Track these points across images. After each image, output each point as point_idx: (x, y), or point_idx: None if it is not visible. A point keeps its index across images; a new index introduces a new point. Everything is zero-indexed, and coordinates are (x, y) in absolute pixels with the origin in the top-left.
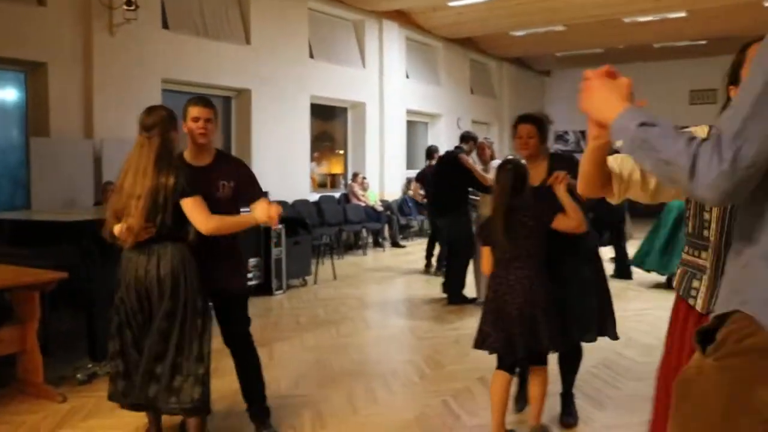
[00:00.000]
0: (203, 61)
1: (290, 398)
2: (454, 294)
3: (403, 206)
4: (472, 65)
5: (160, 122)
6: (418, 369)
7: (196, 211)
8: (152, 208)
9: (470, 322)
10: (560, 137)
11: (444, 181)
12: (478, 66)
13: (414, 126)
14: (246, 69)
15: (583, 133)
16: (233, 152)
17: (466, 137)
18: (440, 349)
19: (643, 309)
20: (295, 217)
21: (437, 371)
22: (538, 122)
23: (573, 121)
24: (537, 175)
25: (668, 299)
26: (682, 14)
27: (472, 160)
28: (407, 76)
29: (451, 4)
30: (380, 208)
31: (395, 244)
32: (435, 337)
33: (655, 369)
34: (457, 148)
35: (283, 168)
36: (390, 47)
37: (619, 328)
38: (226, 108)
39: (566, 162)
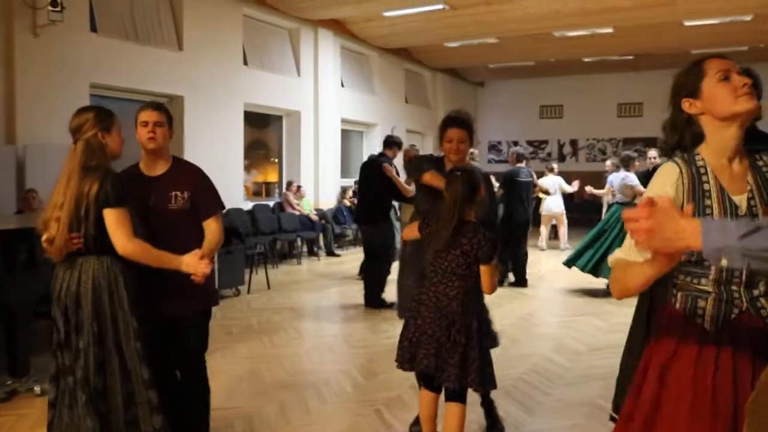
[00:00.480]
0: (133, 66)
1: (222, 411)
2: (370, 297)
3: (337, 215)
4: (406, 75)
5: (84, 124)
6: (351, 378)
7: (117, 227)
8: (75, 219)
9: None
10: (493, 147)
11: (366, 188)
12: (413, 76)
13: (349, 135)
14: (178, 75)
15: (515, 143)
16: None
17: (389, 143)
18: (374, 358)
19: (572, 316)
20: (227, 226)
21: (370, 380)
22: (470, 127)
23: (506, 131)
24: None
25: (596, 306)
26: (609, 30)
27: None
28: (342, 85)
29: (385, 14)
30: (315, 217)
31: (330, 252)
32: (369, 345)
33: (583, 374)
34: (381, 155)
35: (216, 176)
36: (325, 56)
37: (550, 335)
38: None
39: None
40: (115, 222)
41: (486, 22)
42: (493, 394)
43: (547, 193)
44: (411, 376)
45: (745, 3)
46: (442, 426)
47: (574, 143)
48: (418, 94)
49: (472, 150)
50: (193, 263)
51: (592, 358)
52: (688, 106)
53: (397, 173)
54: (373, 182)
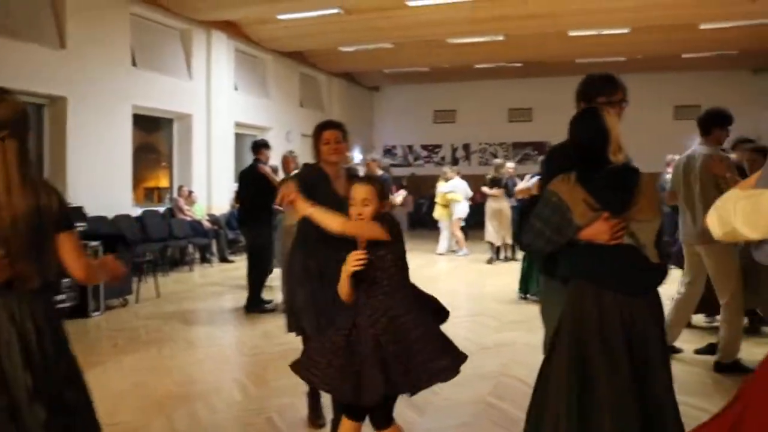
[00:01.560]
0: (9, 64)
1: (107, 428)
2: (251, 302)
3: (231, 220)
4: (301, 79)
5: (15, 118)
6: (243, 387)
7: (78, 252)
8: (28, 241)
9: (297, 337)
10: (388, 151)
11: (247, 192)
12: (308, 80)
13: (243, 139)
14: (60, 75)
15: (410, 147)
16: (46, 166)
17: (257, 147)
18: (266, 365)
19: (465, 316)
20: (113, 233)
21: (262, 388)
22: (343, 128)
23: (401, 136)
24: (342, 185)
25: (489, 306)
26: (500, 38)
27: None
28: (236, 88)
29: (280, 17)
30: (207, 223)
31: (223, 259)
32: (262, 353)
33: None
34: (255, 160)
35: (103, 182)
36: (218, 58)
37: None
38: (38, 117)
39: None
40: (76, 245)
41: (381, 28)
42: None
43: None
44: (303, 384)
45: (624, 17)
46: None
47: (466, 147)
48: (314, 98)
49: (375, 157)
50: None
51: (482, 357)
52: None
53: (275, 172)
54: (252, 186)
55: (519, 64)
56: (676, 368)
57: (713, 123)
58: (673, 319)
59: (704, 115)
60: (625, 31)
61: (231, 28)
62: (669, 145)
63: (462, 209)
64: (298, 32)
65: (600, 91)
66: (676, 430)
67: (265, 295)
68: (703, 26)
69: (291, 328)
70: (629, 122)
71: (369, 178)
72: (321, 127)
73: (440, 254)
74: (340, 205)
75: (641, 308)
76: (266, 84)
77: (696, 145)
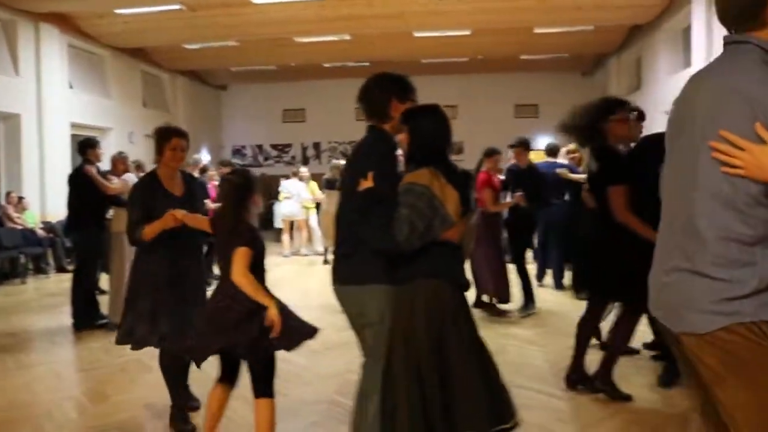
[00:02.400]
0: None
1: None
2: (78, 317)
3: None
4: (144, 77)
5: None
6: (79, 405)
7: None
8: None
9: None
10: (237, 152)
11: (75, 196)
12: (151, 78)
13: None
14: None
15: (260, 147)
16: None
17: (83, 147)
18: (106, 380)
19: (312, 317)
20: None
21: (100, 404)
22: (188, 137)
23: (250, 135)
24: (177, 186)
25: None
26: (347, 37)
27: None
28: (71, 87)
29: (117, 11)
30: (41, 231)
31: (61, 268)
32: (101, 367)
33: (320, 372)
34: (84, 161)
35: None
36: (49, 54)
37: None
38: None
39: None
40: None
41: (226, 25)
42: (231, 401)
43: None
44: (146, 396)
45: (465, 19)
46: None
47: (317, 146)
48: (157, 97)
49: (119, 152)
50: None
51: (328, 357)
52: None
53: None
54: (79, 189)
55: (366, 64)
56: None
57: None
58: None
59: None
60: (467, 33)
61: (63, 22)
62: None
63: (287, 209)
64: (138, 28)
65: (412, 91)
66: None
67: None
68: (537, 30)
69: (123, 339)
70: (474, 120)
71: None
72: (173, 133)
73: (285, 256)
74: (174, 203)
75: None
76: (105, 82)
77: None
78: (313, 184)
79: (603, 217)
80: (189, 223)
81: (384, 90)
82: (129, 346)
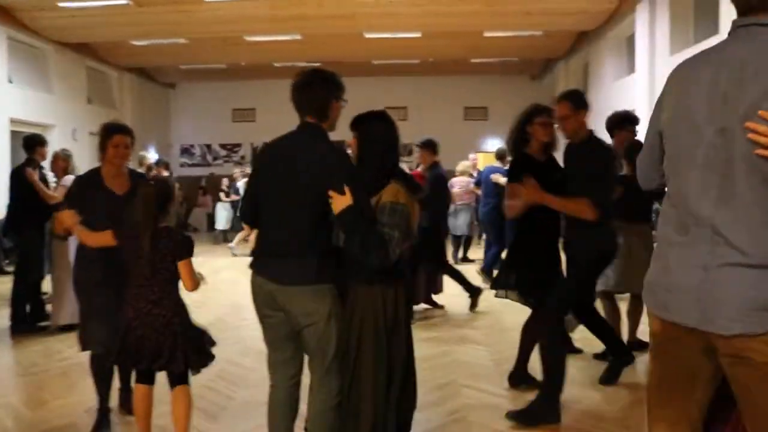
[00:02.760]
0: None
1: None
2: (16, 320)
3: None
4: (89, 73)
5: None
6: (15, 411)
7: None
8: None
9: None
10: (186, 151)
11: (15, 197)
12: (97, 74)
13: (21, 137)
14: None
15: (209, 147)
16: None
17: (30, 145)
18: (45, 385)
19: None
20: None
21: (38, 410)
22: (133, 134)
23: (199, 134)
24: (121, 184)
25: None
26: (298, 37)
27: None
28: (10, 81)
29: (61, 4)
30: None
31: (0, 270)
32: (40, 371)
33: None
34: (28, 160)
35: None
36: None
37: (238, 338)
38: None
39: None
40: None
41: (175, 22)
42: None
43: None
44: (87, 401)
45: (415, 21)
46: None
47: None
48: (103, 94)
49: (62, 149)
50: None
51: None
52: None
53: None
54: (20, 190)
55: (317, 64)
56: None
57: (617, 125)
58: None
59: (610, 119)
60: (417, 35)
61: (3, 14)
62: (460, 144)
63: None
64: (83, 22)
65: (343, 91)
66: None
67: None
68: (487, 34)
69: (87, 347)
70: (424, 121)
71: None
72: (114, 130)
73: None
74: (116, 202)
75: None
76: (47, 77)
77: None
78: None
79: (518, 221)
80: (82, 239)
81: (328, 88)
82: (73, 349)
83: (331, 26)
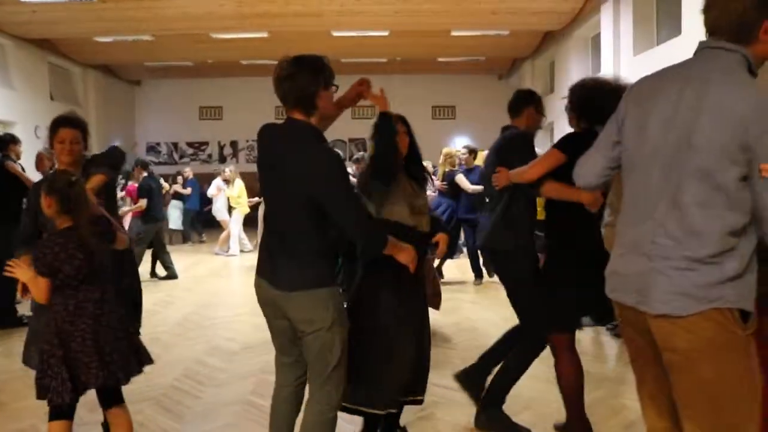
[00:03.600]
0: None
1: None
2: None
3: None
4: (52, 69)
5: None
6: None
7: None
8: None
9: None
10: (152, 149)
11: None
12: (60, 71)
13: None
14: None
15: (175, 145)
16: None
17: (3, 141)
18: (4, 387)
19: (230, 316)
20: None
21: None
22: (83, 126)
23: (165, 132)
24: None
25: (254, 304)
26: (265, 35)
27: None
28: None
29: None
30: None
31: None
32: (2, 373)
33: (235, 373)
34: (3, 156)
35: None
36: None
37: (206, 337)
38: None
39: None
40: None
41: (140, 18)
42: (142, 405)
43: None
44: (43, 403)
45: (383, 20)
46: None
47: (234, 144)
48: (66, 91)
49: (45, 147)
50: None
51: (245, 357)
52: None
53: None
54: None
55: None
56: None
57: (524, 103)
58: None
59: (513, 97)
60: (385, 34)
61: None
62: (428, 142)
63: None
64: (46, 18)
65: (332, 77)
66: None
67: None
68: (454, 33)
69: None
70: None
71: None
72: (56, 124)
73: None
74: None
75: None
76: (8, 73)
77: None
78: (240, 184)
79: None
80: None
81: (313, 76)
82: None
83: (298, 24)
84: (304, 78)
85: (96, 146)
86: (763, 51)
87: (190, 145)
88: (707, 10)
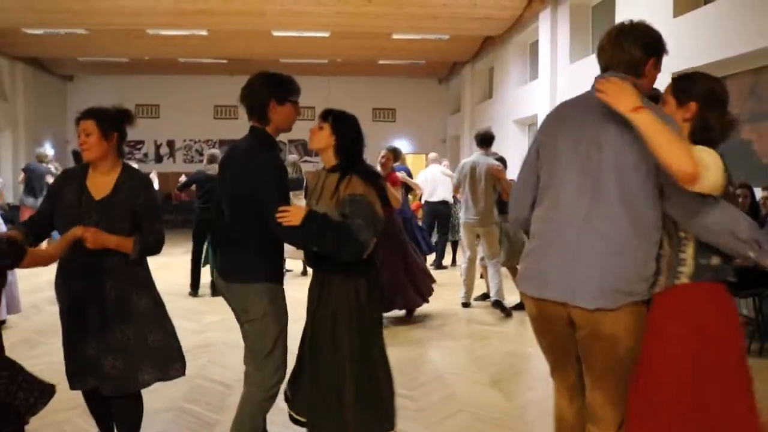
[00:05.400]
0: None
1: None
2: None
3: None
4: None
5: None
6: None
7: None
8: None
9: None
10: None
11: None
12: None
13: None
14: None
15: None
16: None
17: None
18: None
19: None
20: None
21: None
22: (100, 116)
23: None
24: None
25: (188, 308)
26: (204, 33)
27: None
28: None
29: None
30: None
31: None
32: None
33: None
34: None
35: None
36: None
37: None
38: None
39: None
40: None
41: (73, 11)
42: (69, 414)
43: None
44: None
45: (324, 21)
46: None
47: (171, 144)
48: None
49: (41, 150)
50: None
51: None
52: None
53: None
54: None
55: (224, 61)
56: None
57: (491, 138)
58: (466, 281)
59: (484, 135)
60: (326, 35)
61: None
62: (368, 145)
63: None
64: None
65: (294, 93)
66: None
67: None
68: (395, 36)
69: None
70: None
71: None
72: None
73: None
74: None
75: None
76: None
77: (477, 155)
78: None
79: None
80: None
81: (266, 90)
82: None
83: (237, 23)
84: (256, 90)
85: (24, 144)
86: (649, 84)
87: (126, 143)
88: (601, 52)
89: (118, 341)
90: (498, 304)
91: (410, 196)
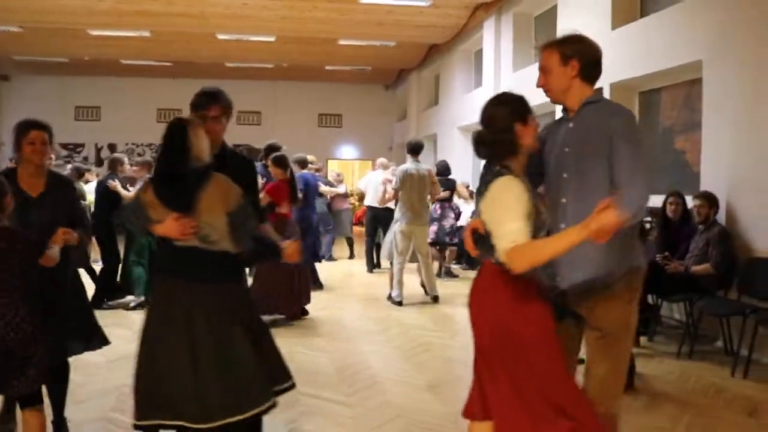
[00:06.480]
0: None
1: None
2: None
3: None
4: None
5: None
6: None
7: None
8: None
9: None
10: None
11: None
12: None
13: None
14: None
15: None
16: None
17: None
18: None
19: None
20: None
21: None
22: (50, 129)
23: None
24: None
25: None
26: (147, 34)
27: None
28: None
29: None
30: None
31: None
32: None
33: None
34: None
35: None
36: None
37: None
38: None
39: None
40: None
41: (6, 8)
42: None
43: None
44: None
45: (269, 25)
46: None
47: (112, 147)
48: None
49: None
50: None
51: (108, 372)
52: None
53: None
54: None
55: (168, 64)
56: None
57: (421, 148)
58: (400, 282)
59: (415, 144)
60: (271, 39)
61: None
62: (314, 150)
63: None
64: None
65: (197, 105)
66: None
67: None
68: (341, 42)
69: None
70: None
71: None
72: (29, 125)
73: None
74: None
75: (210, 293)
76: None
77: (410, 162)
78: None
79: None
80: None
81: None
82: None
83: (181, 24)
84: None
85: None
86: (558, 80)
87: (64, 146)
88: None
89: None
90: (437, 299)
91: (356, 203)
